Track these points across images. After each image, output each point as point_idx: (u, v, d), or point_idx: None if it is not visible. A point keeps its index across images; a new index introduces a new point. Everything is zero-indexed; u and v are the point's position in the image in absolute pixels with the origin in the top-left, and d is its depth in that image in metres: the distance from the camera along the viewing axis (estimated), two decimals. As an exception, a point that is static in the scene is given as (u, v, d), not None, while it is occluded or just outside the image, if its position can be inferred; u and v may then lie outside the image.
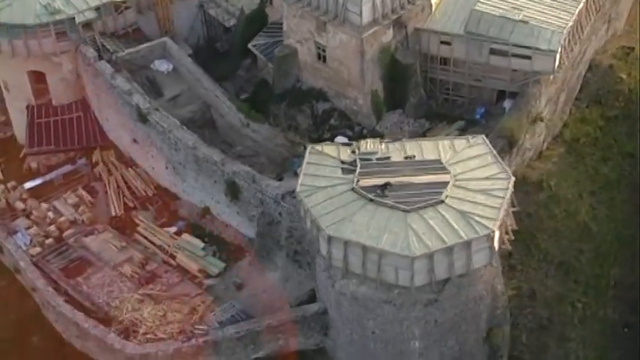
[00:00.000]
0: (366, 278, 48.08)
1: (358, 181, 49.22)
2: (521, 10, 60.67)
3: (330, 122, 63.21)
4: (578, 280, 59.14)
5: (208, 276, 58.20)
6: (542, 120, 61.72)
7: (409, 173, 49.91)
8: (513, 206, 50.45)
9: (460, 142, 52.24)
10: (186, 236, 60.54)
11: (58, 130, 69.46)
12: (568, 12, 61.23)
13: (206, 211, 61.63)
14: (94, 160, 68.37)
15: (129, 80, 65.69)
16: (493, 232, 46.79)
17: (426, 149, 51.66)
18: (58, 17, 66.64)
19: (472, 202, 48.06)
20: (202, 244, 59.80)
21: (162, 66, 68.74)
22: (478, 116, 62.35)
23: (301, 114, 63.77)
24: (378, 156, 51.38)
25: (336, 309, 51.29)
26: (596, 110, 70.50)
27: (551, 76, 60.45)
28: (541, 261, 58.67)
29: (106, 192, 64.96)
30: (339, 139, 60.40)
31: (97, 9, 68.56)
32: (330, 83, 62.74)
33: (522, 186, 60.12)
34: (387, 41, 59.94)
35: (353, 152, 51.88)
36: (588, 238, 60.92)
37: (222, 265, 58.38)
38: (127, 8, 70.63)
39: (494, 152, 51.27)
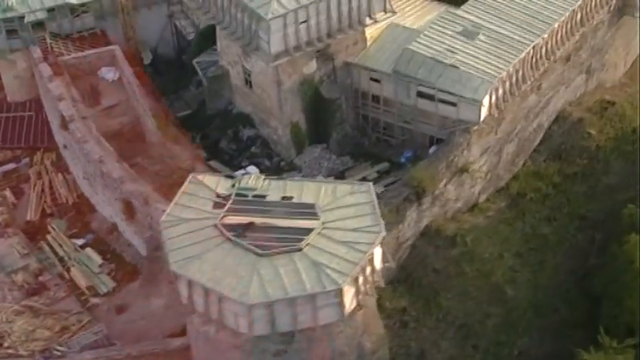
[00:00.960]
0: (211, 320, 45.87)
1: (223, 217, 46.97)
2: (455, 54, 57.29)
3: (252, 150, 60.98)
4: (478, 345, 55.46)
5: (97, 294, 56.63)
6: (468, 171, 57.99)
7: (279, 215, 47.52)
8: (386, 262, 47.45)
9: (343, 188, 49.48)
10: (89, 250, 59.35)
11: (8, 127, 69.26)
12: (505, 61, 57.49)
13: (114, 227, 60.32)
14: (34, 161, 67.78)
15: (67, 85, 64.87)
16: (342, 288, 43.82)
17: (306, 191, 49.13)
18: (9, 15, 66.24)
19: (331, 253, 45.36)
20: (101, 261, 58.44)
21: (108, 74, 67.93)
22: (403, 160, 59.28)
23: (225, 138, 61.75)
24: (255, 193, 48.94)
25: (194, 346, 49.28)
26: (554, 165, 66.55)
27: (476, 127, 56.64)
28: (440, 320, 55.22)
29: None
30: (250, 169, 58.39)
31: (51, 10, 67.88)
32: (256, 110, 60.73)
33: (435, 239, 56.98)
34: (309, 72, 57.49)
35: (232, 186, 49.69)
36: (499, 302, 57.15)
37: (112, 284, 56.80)
38: (84, 12, 69.83)
39: (375, 203, 48.19)
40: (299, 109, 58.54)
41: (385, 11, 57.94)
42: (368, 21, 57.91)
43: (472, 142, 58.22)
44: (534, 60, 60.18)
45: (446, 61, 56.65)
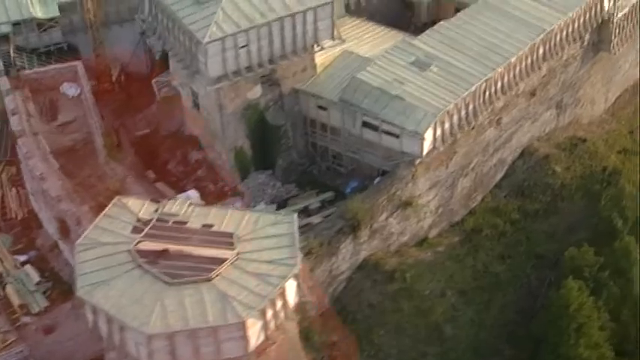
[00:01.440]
0: (115, 347, 44.96)
1: (138, 242, 46.10)
2: (404, 85, 55.99)
3: (198, 173, 60.14)
4: (411, 384, 53.82)
5: (29, 313, 55.99)
6: (412, 205, 56.52)
7: (195, 243, 46.47)
8: (300, 296, 46.22)
9: (266, 218, 48.31)
10: (28, 268, 58.74)
11: (-27, 140, 69.07)
12: (454, 93, 56.01)
13: (55, 245, 59.77)
14: (-6, 175, 67.53)
15: (26, 99, 64.68)
16: (245, 321, 42.68)
17: (228, 220, 48.08)
18: (-28, 27, 66.37)
19: (241, 285, 44.22)
20: (38, 279, 57.78)
21: (69, 90, 67.63)
22: (349, 190, 57.98)
23: (174, 160, 61.02)
24: (176, 219, 48.02)
25: (108, 371, 48.35)
26: (515, 202, 64.92)
27: (418, 160, 55.21)
28: (371, 357, 53.73)
29: (-17, 208, 64.02)
30: (191, 193, 57.54)
31: (17, 24, 67.78)
32: (204, 132, 59.86)
33: (373, 273, 55.69)
34: (254, 98, 56.53)
35: (155, 211, 48.81)
36: (437, 341, 55.53)
37: (45, 304, 56.09)
38: (51, 27, 69.66)
39: (296, 235, 46.94)
40: (243, 134, 57.54)
41: (333, 39, 56.54)
42: (315, 48, 56.44)
43: (418, 176, 56.74)
44: (488, 94, 58.50)
45: (392, 91, 55.36)
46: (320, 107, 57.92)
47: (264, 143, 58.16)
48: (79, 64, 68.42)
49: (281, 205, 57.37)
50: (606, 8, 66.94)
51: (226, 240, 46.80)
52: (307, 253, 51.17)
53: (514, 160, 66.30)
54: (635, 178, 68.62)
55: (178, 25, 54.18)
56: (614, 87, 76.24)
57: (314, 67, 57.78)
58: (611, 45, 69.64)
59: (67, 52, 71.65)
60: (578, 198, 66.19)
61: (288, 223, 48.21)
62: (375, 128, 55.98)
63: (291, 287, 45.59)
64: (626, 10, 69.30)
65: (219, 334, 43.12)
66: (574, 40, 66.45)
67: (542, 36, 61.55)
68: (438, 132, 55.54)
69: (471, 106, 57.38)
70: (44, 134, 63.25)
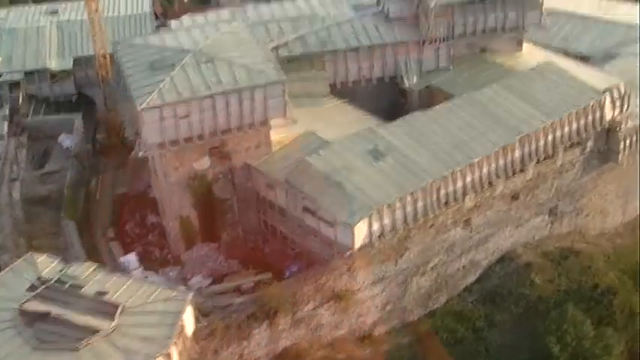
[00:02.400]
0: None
1: (25, 302, 46.25)
2: (350, 172, 53.99)
3: (149, 237, 60.00)
4: None
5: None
6: (345, 298, 54.06)
7: (80, 310, 46.16)
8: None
9: (162, 293, 47.56)
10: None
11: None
12: (400, 188, 53.49)
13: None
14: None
15: (19, 146, 66.95)
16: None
17: (125, 289, 47.71)
18: (-12, 72, 69.71)
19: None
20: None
21: (65, 141, 69.37)
22: (288, 274, 56.16)
23: (133, 221, 61.25)
24: (73, 282, 47.98)
25: None
26: (483, 309, 60.89)
27: (349, 252, 52.90)
28: None
29: None
30: (130, 257, 57.63)
31: (30, 73, 70.48)
32: (159, 197, 59.87)
33: None
34: (201, 168, 55.87)
35: (60, 271, 49.03)
36: None
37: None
38: (62, 78, 72.03)
39: (181, 315, 45.78)
40: (189, 204, 56.81)
41: (284, 118, 55.35)
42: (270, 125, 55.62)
43: (356, 269, 54.18)
44: (445, 192, 55.50)
45: (334, 178, 53.34)
46: (268, 186, 56.49)
47: (211, 215, 57.16)
48: (77, 117, 70.05)
49: (217, 280, 56.08)
50: (609, 116, 62.46)
51: (110, 310, 46.09)
52: (209, 334, 49.57)
53: (490, 264, 62.19)
54: (635, 301, 63.19)
55: (127, 90, 54.45)
56: (634, 199, 70.72)
57: (269, 144, 56.57)
58: (619, 156, 64.74)
59: (77, 103, 73.74)
60: (554, 314, 60.94)
61: (180, 300, 47.11)
62: (313, 214, 53.95)
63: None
64: (638, 121, 64.42)
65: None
66: (570, 145, 62.25)
67: (518, 137, 57.87)
68: (376, 226, 52.80)
69: (420, 203, 54.34)
70: (25, 181, 64.82)
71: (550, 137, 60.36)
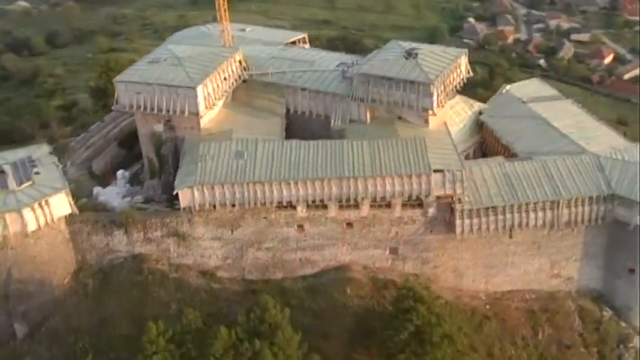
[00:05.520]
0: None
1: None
2: (212, 159, 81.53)
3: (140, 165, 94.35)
4: None
5: None
6: (184, 238, 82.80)
7: None
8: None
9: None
10: None
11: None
12: (235, 178, 79.75)
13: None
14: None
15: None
16: None
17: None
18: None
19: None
20: None
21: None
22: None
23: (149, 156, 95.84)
24: None
25: None
26: (304, 292, 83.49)
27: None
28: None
29: None
30: (120, 173, 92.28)
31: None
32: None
33: (134, 263, 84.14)
34: (158, 130, 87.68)
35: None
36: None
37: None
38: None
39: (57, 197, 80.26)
40: (152, 152, 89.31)
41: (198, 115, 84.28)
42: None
43: (195, 222, 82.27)
44: (274, 193, 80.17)
45: (196, 159, 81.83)
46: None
47: (161, 163, 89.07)
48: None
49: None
50: (438, 192, 78.85)
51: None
52: (81, 222, 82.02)
53: (329, 267, 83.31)
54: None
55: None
56: (498, 277, 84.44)
57: (199, 128, 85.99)
58: (456, 230, 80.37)
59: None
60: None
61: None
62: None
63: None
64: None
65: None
66: (412, 205, 79.99)
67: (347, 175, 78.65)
68: (207, 197, 78.48)
69: (252, 195, 78.55)
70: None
71: (379, 188, 78.36)
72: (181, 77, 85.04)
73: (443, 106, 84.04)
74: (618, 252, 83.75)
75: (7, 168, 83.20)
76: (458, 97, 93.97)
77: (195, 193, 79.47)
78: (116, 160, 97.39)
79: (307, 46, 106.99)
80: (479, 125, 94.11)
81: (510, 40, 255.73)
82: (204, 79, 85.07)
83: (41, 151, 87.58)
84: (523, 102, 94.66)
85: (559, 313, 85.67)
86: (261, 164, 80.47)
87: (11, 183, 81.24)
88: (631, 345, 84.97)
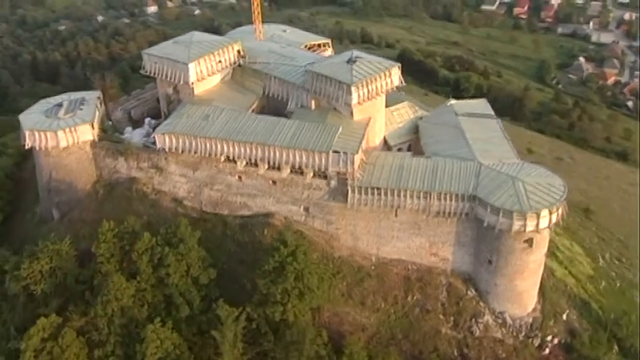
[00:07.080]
0: None
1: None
2: (186, 118, 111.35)
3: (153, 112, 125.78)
4: None
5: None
6: (161, 171, 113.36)
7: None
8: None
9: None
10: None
11: None
12: (196, 132, 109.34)
13: None
14: None
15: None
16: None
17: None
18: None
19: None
20: None
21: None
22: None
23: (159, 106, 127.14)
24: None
25: None
26: (238, 234, 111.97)
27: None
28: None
29: None
30: (148, 121, 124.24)
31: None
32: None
33: (128, 184, 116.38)
34: (169, 93, 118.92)
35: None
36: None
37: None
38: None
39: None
40: (165, 107, 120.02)
41: (189, 84, 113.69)
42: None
43: (169, 160, 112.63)
44: (223, 148, 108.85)
45: (177, 115, 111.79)
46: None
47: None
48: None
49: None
50: (334, 169, 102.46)
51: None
52: (100, 147, 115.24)
53: (260, 212, 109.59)
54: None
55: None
56: (387, 247, 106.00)
57: (193, 95, 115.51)
58: (348, 200, 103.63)
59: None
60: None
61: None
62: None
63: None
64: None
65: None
66: (320, 175, 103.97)
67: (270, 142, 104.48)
68: (175, 144, 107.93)
69: (208, 147, 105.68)
70: None
71: (296, 158, 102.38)
72: (184, 55, 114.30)
73: (361, 104, 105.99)
74: (482, 244, 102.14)
75: (65, 103, 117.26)
76: (405, 103, 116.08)
77: (167, 138, 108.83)
78: (150, 111, 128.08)
79: (330, 50, 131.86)
80: (415, 127, 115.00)
81: (611, 80, 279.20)
82: (198, 59, 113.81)
83: (92, 95, 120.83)
84: (456, 114, 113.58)
85: (430, 285, 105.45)
86: (218, 126, 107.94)
87: (60, 113, 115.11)
88: (480, 321, 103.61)
